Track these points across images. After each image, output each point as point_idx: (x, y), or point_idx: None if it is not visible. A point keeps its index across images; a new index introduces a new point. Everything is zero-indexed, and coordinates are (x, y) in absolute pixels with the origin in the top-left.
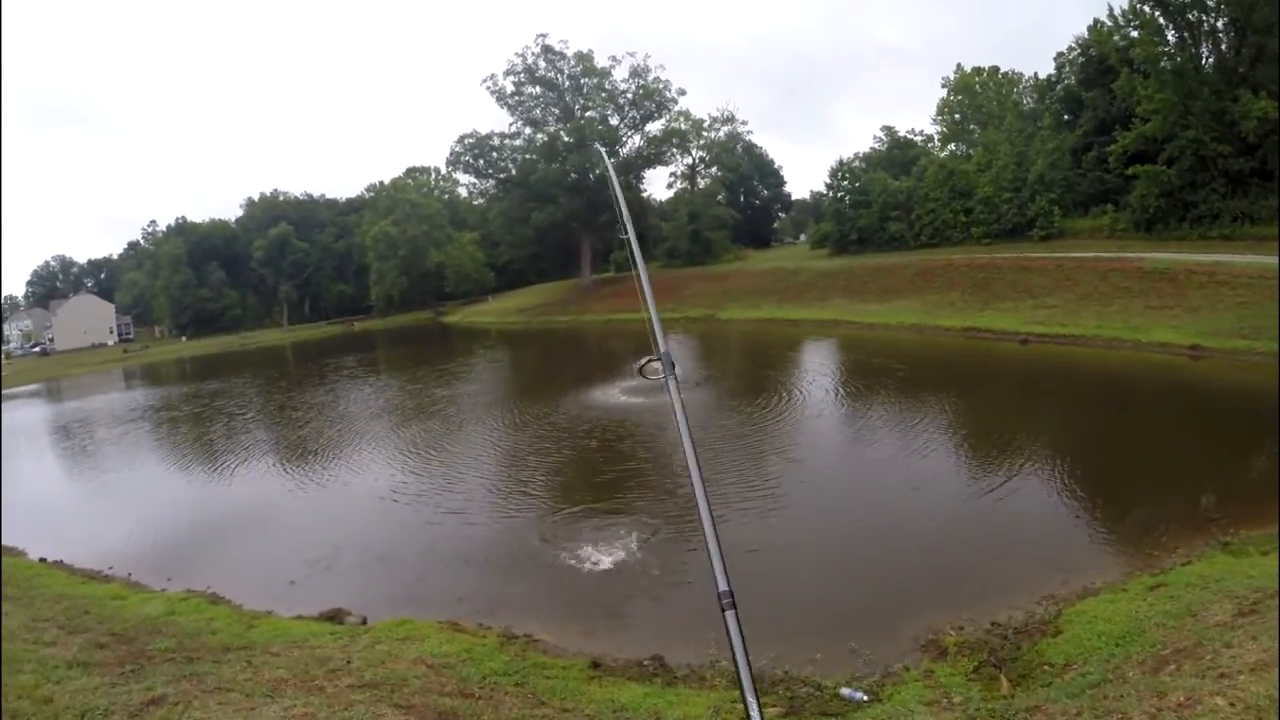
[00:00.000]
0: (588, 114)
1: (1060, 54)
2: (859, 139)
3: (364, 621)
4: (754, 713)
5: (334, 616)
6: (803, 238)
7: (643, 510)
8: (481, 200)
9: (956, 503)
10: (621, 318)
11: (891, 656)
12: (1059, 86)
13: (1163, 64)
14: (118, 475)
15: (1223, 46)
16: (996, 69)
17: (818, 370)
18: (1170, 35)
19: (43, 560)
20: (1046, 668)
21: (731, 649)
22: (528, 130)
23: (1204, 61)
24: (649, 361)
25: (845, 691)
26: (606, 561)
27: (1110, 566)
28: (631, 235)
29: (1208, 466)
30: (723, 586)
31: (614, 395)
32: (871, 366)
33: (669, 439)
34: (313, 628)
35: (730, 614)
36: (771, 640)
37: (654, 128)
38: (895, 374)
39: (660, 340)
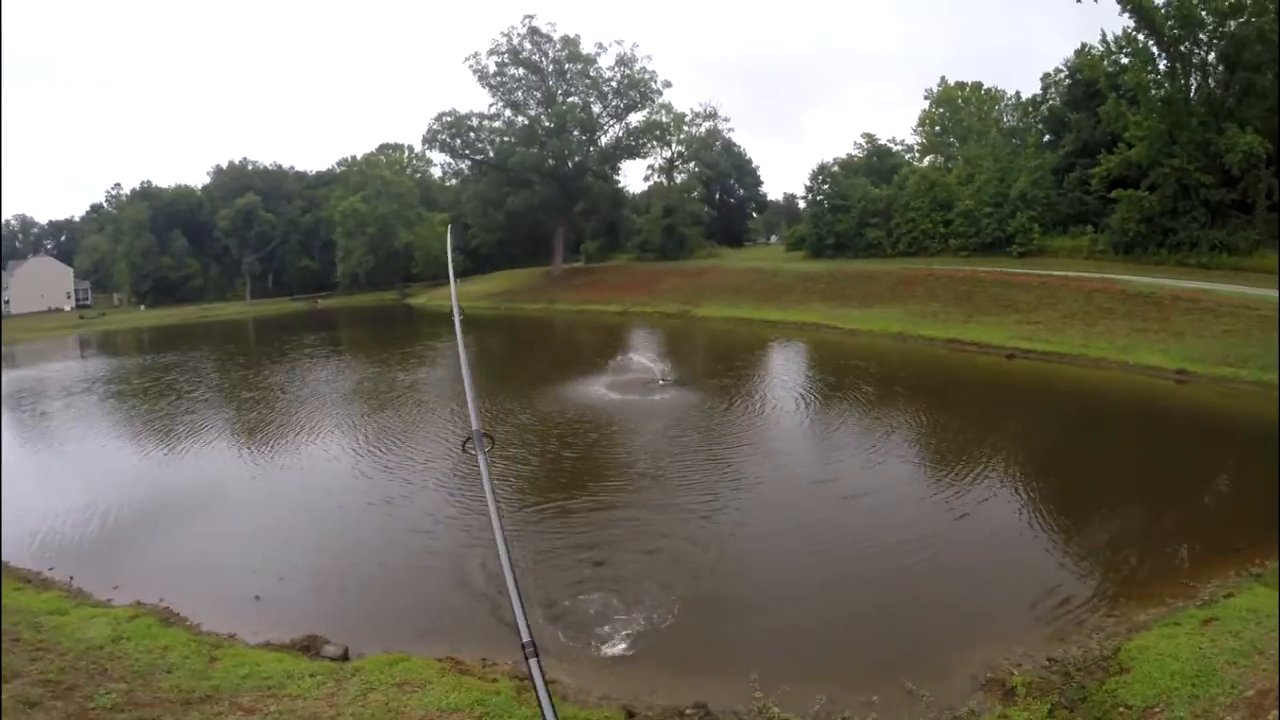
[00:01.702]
0: (570, 100)
1: (1047, 74)
2: (834, 144)
3: (345, 655)
4: None
5: (309, 646)
6: (774, 239)
7: (629, 525)
8: (455, 181)
9: (975, 524)
10: (593, 308)
11: (953, 698)
12: (1044, 106)
13: (1152, 92)
14: (65, 455)
15: (1211, 80)
16: (980, 85)
17: (812, 376)
18: (1161, 64)
19: None
20: (1123, 710)
21: (536, 695)
22: (508, 112)
23: (1192, 92)
24: (467, 441)
25: None
26: (595, 590)
27: (1149, 598)
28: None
29: (1227, 494)
30: (525, 638)
31: (591, 392)
32: (865, 374)
33: (649, 446)
34: (287, 663)
35: (534, 662)
36: (818, 680)
37: (636, 118)
38: (893, 385)
39: (474, 418)
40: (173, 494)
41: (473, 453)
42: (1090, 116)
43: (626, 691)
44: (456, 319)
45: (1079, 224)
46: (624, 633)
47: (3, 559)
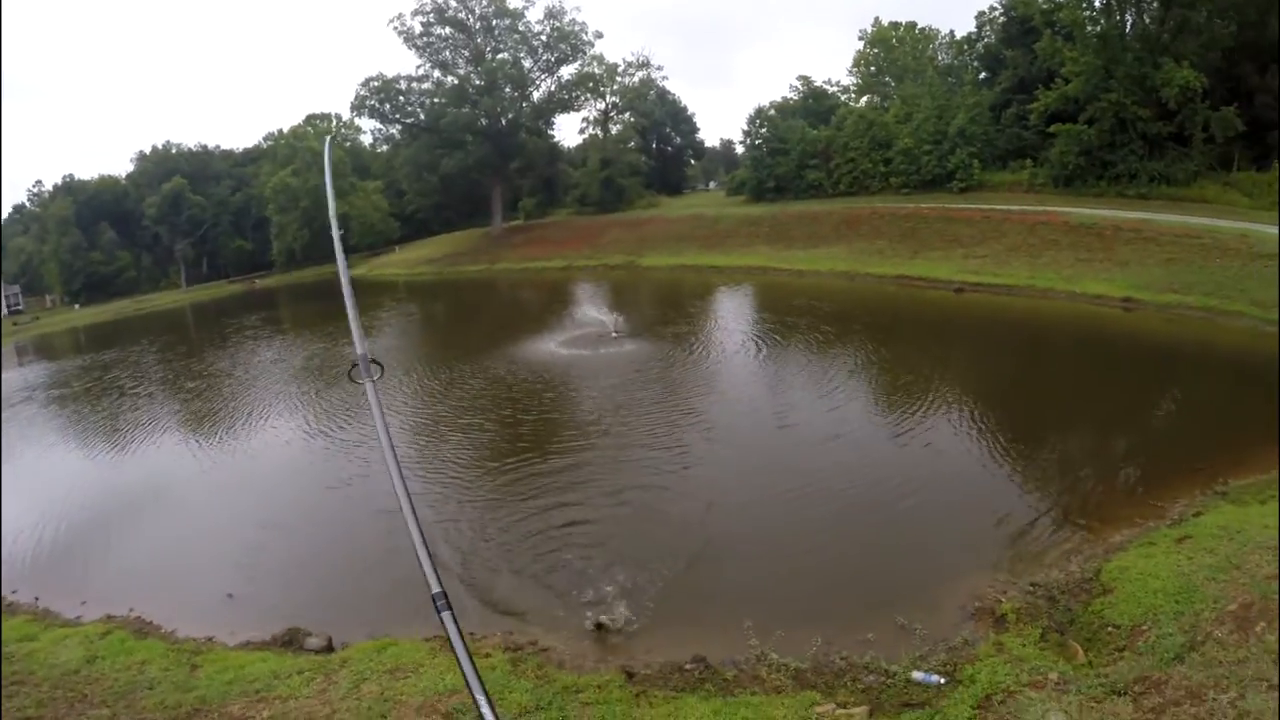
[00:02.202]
0: (499, 56)
1: (981, 13)
2: (768, 87)
3: (329, 646)
4: (485, 711)
5: (291, 640)
6: (713, 185)
7: (594, 480)
8: (386, 147)
9: (946, 458)
10: (536, 265)
11: (946, 630)
12: (979, 44)
13: (1088, 28)
14: (10, 470)
15: (1146, 16)
16: (914, 24)
17: (767, 319)
18: (1096, 1)
19: None
20: (1111, 629)
21: (453, 650)
22: (436, 73)
23: (1128, 28)
24: (354, 367)
25: (918, 675)
26: (577, 553)
27: (1120, 519)
28: (336, 236)
29: (1181, 416)
30: (435, 589)
31: (543, 350)
32: (820, 314)
33: (612, 401)
34: (271, 662)
35: (446, 615)
36: (811, 623)
37: (567, 72)
38: (850, 324)
39: (359, 341)
40: (126, 496)
41: (360, 382)
42: (1026, 53)
43: (622, 652)
44: (336, 238)
45: (1018, 159)
46: (612, 593)
47: None
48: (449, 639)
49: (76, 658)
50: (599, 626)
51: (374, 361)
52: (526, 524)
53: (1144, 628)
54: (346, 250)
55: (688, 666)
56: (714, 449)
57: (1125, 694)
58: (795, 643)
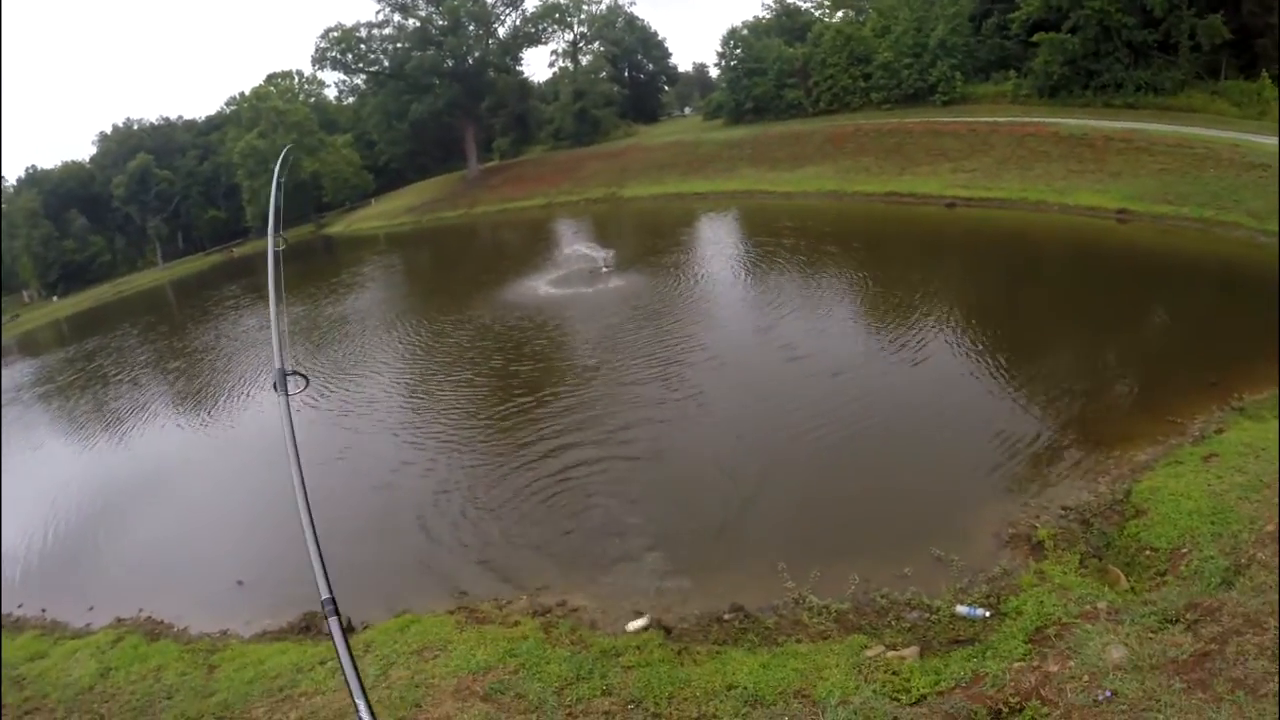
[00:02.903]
0: None
1: None
2: (739, 6)
3: (349, 627)
4: (364, 715)
5: (309, 627)
6: (688, 110)
7: (588, 431)
8: (353, 99)
9: (957, 383)
10: (516, 205)
11: (983, 559)
12: None
13: None
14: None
15: None
16: None
17: (763, 243)
18: None
19: None
20: (1150, 553)
21: (338, 655)
22: (397, 17)
23: None
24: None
25: (962, 610)
26: (600, 506)
27: (1141, 436)
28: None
29: (1187, 330)
30: (324, 595)
31: (533, 291)
32: (818, 235)
33: (612, 341)
34: (291, 654)
35: (333, 620)
36: (847, 557)
37: (532, 4)
38: (850, 244)
39: (278, 355)
40: (119, 490)
41: (285, 394)
42: None
43: (657, 605)
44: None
45: (1000, 69)
46: (640, 544)
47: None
48: (334, 644)
49: (90, 673)
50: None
51: (297, 373)
52: (538, 476)
53: (1183, 550)
54: (321, 208)
55: (726, 617)
56: (722, 386)
57: (1179, 622)
58: (832, 582)
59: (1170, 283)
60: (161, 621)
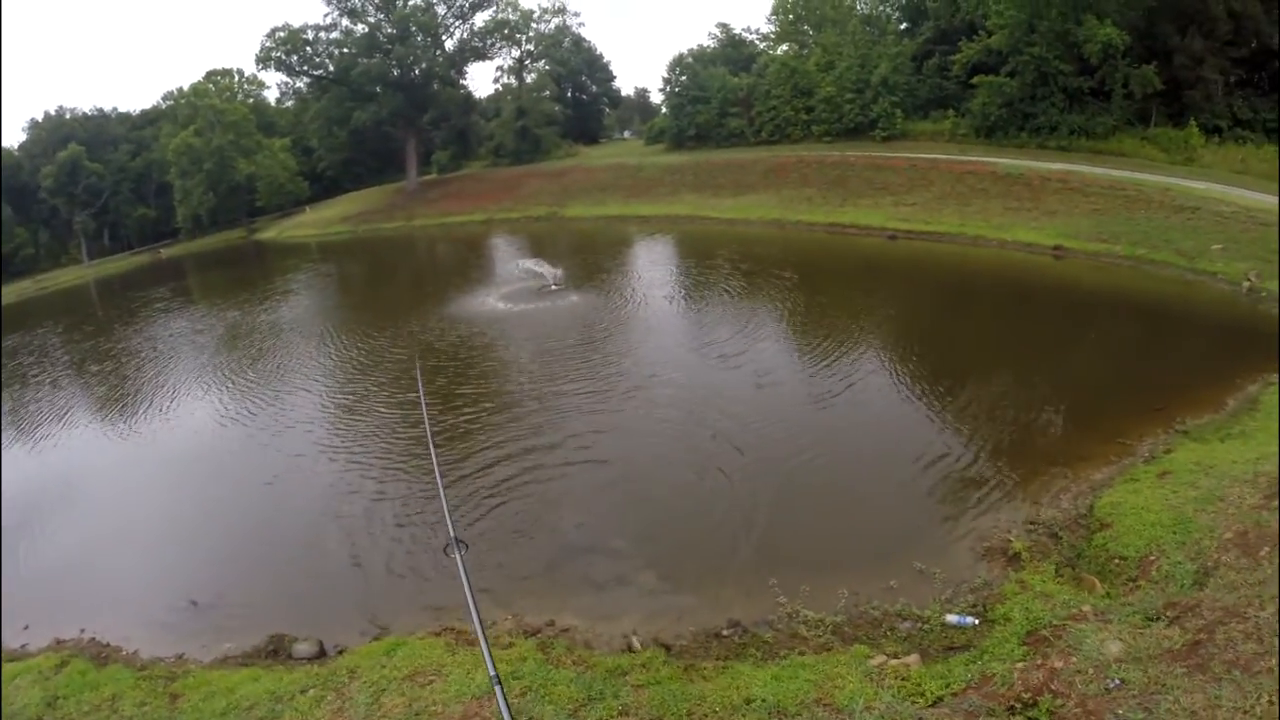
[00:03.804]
0: (411, 2)
1: None
2: (683, 33)
3: (321, 651)
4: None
5: (277, 650)
6: (628, 134)
7: (555, 450)
8: (293, 102)
9: (913, 408)
10: (456, 220)
11: (963, 571)
12: None
13: None
14: None
15: None
16: None
17: (715, 267)
18: None
19: None
20: (1119, 561)
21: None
22: (345, 21)
23: None
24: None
25: (952, 619)
26: (584, 532)
27: (1096, 457)
28: None
29: (1128, 360)
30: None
31: (483, 307)
32: (768, 261)
33: (576, 365)
34: (264, 681)
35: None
36: (833, 575)
37: (481, 18)
38: (811, 273)
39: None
40: (47, 499)
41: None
42: (949, 5)
43: (653, 626)
44: None
45: (939, 108)
46: (622, 562)
47: None
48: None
49: (35, 701)
50: None
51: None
52: (501, 495)
53: (1152, 558)
54: (254, 213)
55: (725, 632)
56: (699, 406)
57: (1160, 619)
58: (822, 595)
59: (1107, 316)
60: (108, 644)
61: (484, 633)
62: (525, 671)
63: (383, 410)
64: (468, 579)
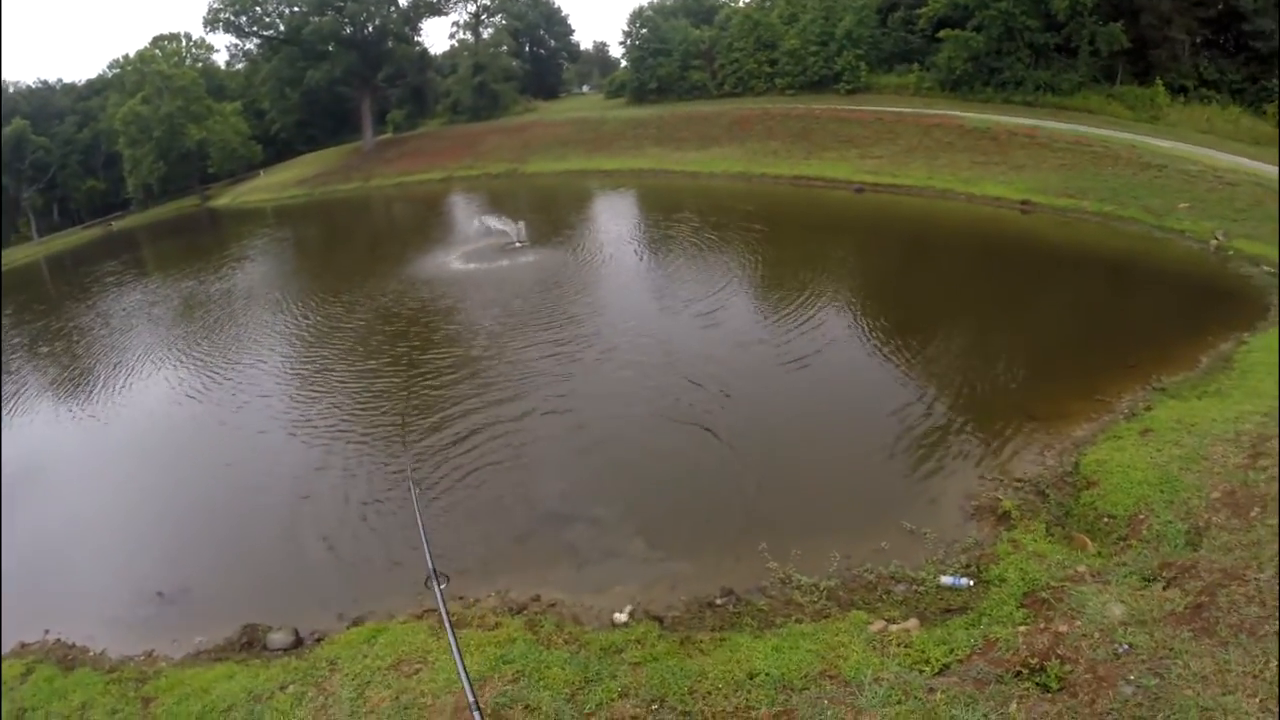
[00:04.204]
0: None
1: None
2: None
3: (298, 640)
4: None
5: (251, 642)
6: (587, 88)
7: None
8: (243, 65)
9: (894, 367)
10: (414, 179)
11: (953, 531)
12: None
13: None
14: None
15: None
16: None
17: (685, 220)
18: None
19: None
20: (1108, 519)
21: None
22: None
23: None
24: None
25: (946, 580)
26: (567, 503)
27: (1076, 415)
28: None
29: (1099, 316)
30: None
31: (446, 268)
32: (738, 214)
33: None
34: (240, 678)
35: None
36: (822, 534)
37: None
38: (780, 225)
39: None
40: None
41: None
42: None
43: (643, 597)
44: None
45: (904, 62)
46: (607, 530)
47: None
48: None
49: (3, 716)
50: None
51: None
52: (473, 464)
53: (1141, 517)
54: (206, 180)
55: (719, 601)
56: (673, 367)
57: (1157, 580)
58: (813, 558)
59: (1076, 272)
60: (73, 645)
61: (464, 665)
62: (515, 655)
63: (347, 382)
64: (448, 616)
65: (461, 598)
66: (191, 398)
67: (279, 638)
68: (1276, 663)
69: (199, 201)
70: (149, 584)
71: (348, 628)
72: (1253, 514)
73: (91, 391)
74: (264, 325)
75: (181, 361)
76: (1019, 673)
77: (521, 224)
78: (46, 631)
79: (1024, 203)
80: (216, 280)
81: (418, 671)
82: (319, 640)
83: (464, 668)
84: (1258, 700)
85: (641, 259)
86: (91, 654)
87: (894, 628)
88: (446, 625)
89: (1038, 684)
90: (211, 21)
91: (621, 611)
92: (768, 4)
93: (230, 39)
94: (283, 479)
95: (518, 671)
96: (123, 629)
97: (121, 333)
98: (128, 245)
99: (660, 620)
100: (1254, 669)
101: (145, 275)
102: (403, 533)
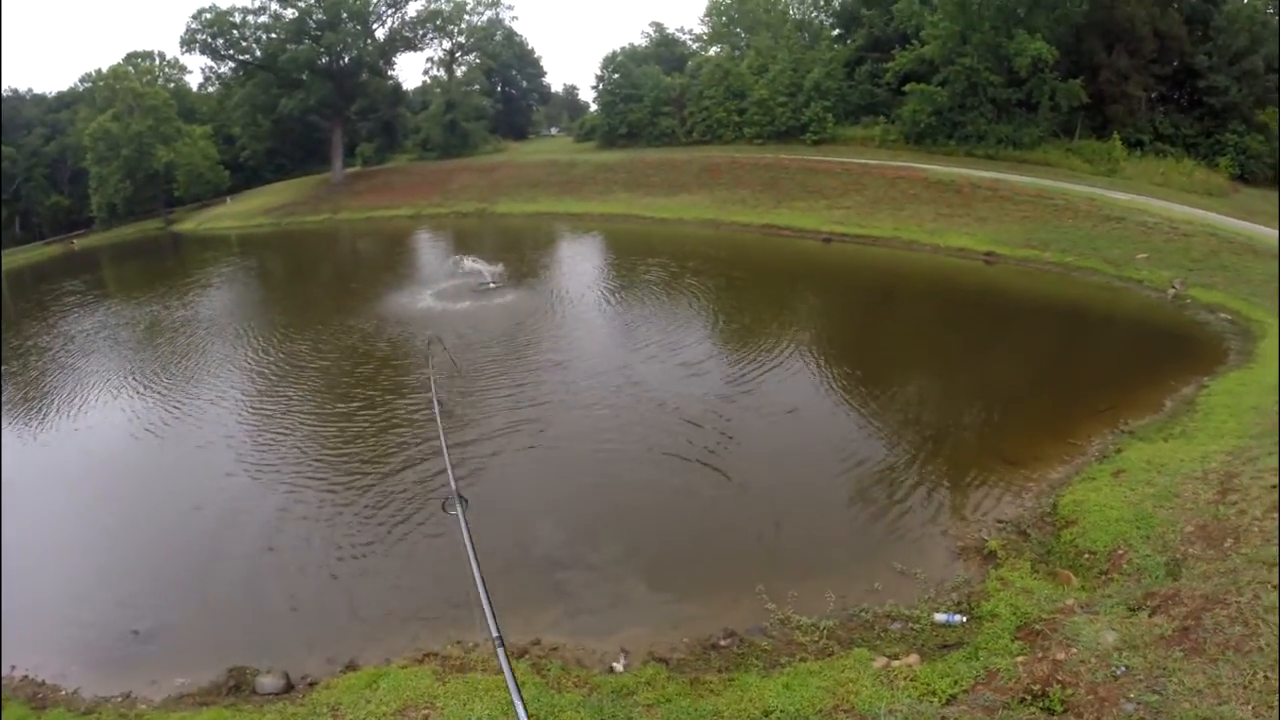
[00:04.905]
0: None
1: None
2: (617, 33)
3: (288, 684)
4: None
5: (239, 685)
6: (555, 130)
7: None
8: (216, 88)
9: (868, 415)
10: (383, 214)
11: (942, 570)
12: (835, 1)
13: None
14: None
15: None
16: None
17: (658, 265)
18: None
19: None
20: (1089, 555)
21: None
22: (274, 5)
23: None
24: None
25: (940, 617)
26: (560, 551)
27: (1051, 457)
28: None
29: (1065, 363)
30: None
31: (418, 307)
32: (711, 261)
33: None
34: None
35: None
36: (817, 579)
37: (414, 8)
38: (761, 273)
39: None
40: None
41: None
42: (882, 13)
43: (643, 638)
44: None
45: (870, 114)
46: (599, 573)
47: None
48: None
49: None
50: None
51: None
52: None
53: (1120, 552)
54: (172, 203)
55: (723, 643)
56: (649, 414)
57: (1143, 609)
58: (810, 599)
59: (1041, 321)
60: (43, 683)
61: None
62: (527, 698)
63: (311, 425)
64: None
65: (460, 641)
66: (151, 433)
67: (269, 681)
68: (1264, 675)
69: (163, 224)
70: (120, 622)
71: (342, 671)
72: (1226, 545)
73: (49, 418)
74: (226, 359)
75: (141, 392)
76: (1023, 699)
77: (498, 266)
78: (14, 667)
79: (988, 254)
80: (180, 307)
81: (426, 718)
82: (311, 685)
83: (484, 589)
84: (1250, 708)
85: (621, 305)
86: (64, 693)
87: (897, 663)
88: (469, 547)
89: (1043, 708)
90: (189, 42)
91: (619, 660)
92: (738, 54)
93: (205, 61)
94: (254, 520)
95: (532, 714)
96: (97, 667)
97: (83, 354)
98: (89, 264)
99: (666, 662)
100: (1244, 680)
101: (107, 297)
102: (390, 577)
